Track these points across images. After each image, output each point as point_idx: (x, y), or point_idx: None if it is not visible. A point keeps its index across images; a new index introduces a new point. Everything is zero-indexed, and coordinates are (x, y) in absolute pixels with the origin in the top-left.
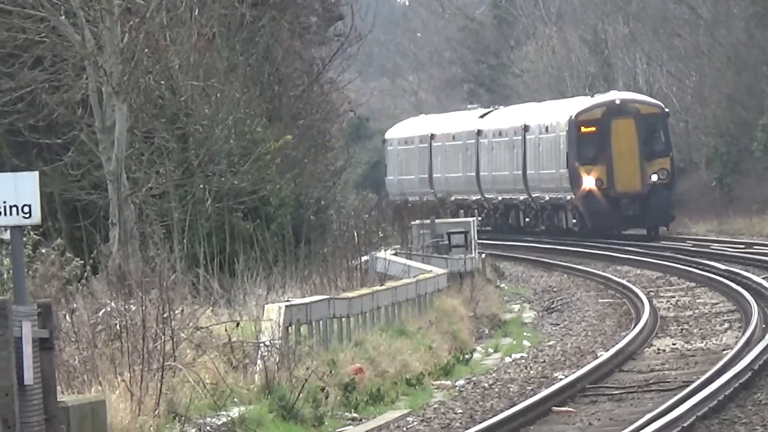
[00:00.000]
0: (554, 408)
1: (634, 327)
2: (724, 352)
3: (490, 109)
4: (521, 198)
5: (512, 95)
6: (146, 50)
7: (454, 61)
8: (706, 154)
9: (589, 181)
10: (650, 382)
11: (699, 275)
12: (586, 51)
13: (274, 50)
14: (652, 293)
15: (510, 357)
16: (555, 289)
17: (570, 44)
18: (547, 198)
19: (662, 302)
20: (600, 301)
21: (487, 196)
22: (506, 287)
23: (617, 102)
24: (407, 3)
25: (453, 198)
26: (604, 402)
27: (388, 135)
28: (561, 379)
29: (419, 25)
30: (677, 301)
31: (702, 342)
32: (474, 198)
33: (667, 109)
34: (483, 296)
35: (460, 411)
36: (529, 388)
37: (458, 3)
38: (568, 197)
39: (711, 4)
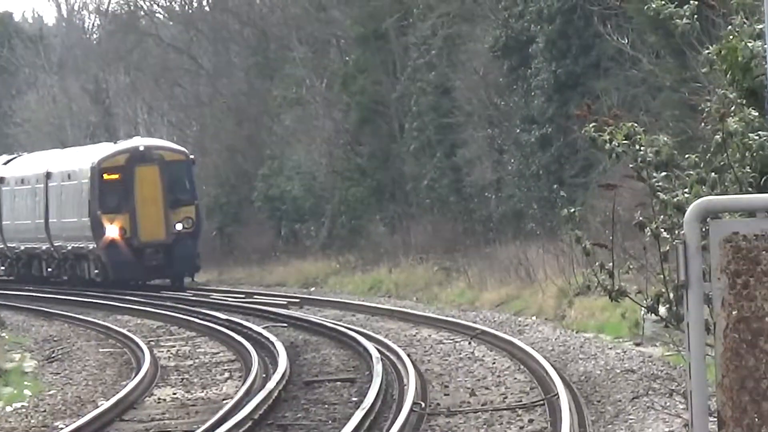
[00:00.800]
0: None
1: (135, 376)
2: (225, 401)
3: (14, 156)
4: (44, 247)
5: (14, 144)
6: None
7: None
8: (206, 204)
9: (112, 230)
10: (151, 431)
11: (200, 325)
12: (87, 100)
13: None
14: (152, 342)
15: (11, 406)
16: (56, 339)
17: (71, 94)
18: (69, 247)
19: (163, 352)
20: (101, 350)
21: (9, 245)
22: (7, 336)
23: (141, 148)
24: None
25: None
26: None
27: None
28: (62, 429)
29: None
30: (178, 350)
31: (203, 391)
32: None
33: (192, 156)
34: None
35: None
36: None
37: None
38: (91, 246)
39: (212, 54)
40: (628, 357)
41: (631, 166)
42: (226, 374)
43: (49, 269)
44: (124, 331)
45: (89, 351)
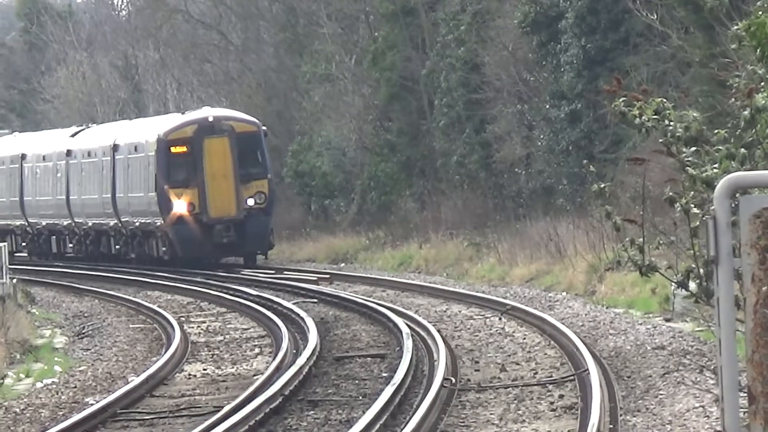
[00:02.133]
0: None
1: (165, 352)
2: (255, 377)
3: (82, 127)
4: (111, 223)
5: (43, 121)
6: None
7: None
8: None
9: (180, 206)
10: (181, 407)
11: (230, 301)
12: (116, 77)
13: None
14: (183, 319)
15: (41, 382)
16: (86, 315)
17: (101, 70)
18: (137, 223)
19: (193, 327)
20: (131, 326)
21: (77, 220)
22: (38, 312)
23: (210, 119)
24: None
25: (45, 223)
26: (135, 427)
27: None
28: (92, 404)
29: None
30: (208, 326)
31: (233, 367)
32: (65, 223)
33: (264, 127)
34: (14, 321)
35: None
36: (61, 413)
37: None
38: (158, 223)
39: (241, 30)
40: (658, 332)
41: (660, 141)
42: (257, 350)
43: (117, 246)
44: (155, 307)
45: (119, 327)
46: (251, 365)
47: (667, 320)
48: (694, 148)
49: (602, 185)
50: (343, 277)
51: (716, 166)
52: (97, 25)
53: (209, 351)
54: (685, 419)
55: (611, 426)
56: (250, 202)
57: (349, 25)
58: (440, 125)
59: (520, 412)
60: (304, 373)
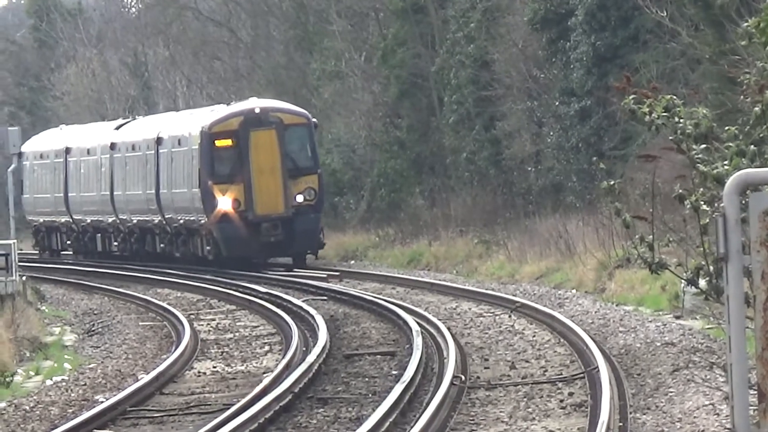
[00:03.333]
0: (95, 430)
1: (175, 350)
2: (265, 374)
3: (128, 119)
4: (156, 221)
5: (53, 118)
6: None
7: None
8: None
9: (224, 203)
10: (191, 404)
11: (239, 298)
12: (126, 74)
13: None
14: (192, 316)
15: (51, 380)
16: (96, 312)
17: (110, 67)
18: (181, 221)
19: (203, 325)
20: (141, 323)
21: (121, 217)
22: (47, 310)
23: (256, 110)
24: None
25: (90, 220)
26: (145, 425)
27: (25, 148)
28: (102, 402)
29: None
30: (218, 324)
31: (243, 365)
32: (109, 220)
33: (314, 119)
34: (24, 319)
35: None
36: (71, 410)
37: None
38: (202, 221)
39: (251, 27)
40: (668, 330)
41: (670, 138)
42: (266, 347)
43: (162, 245)
44: (164, 304)
45: (129, 324)
46: (261, 363)
47: (677, 317)
48: (704, 146)
49: (612, 182)
50: (353, 275)
51: (726, 162)
52: (107, 22)
53: (219, 348)
54: (694, 417)
55: (621, 424)
56: (299, 198)
57: (359, 22)
58: (450, 122)
59: (529, 409)
60: (313, 370)
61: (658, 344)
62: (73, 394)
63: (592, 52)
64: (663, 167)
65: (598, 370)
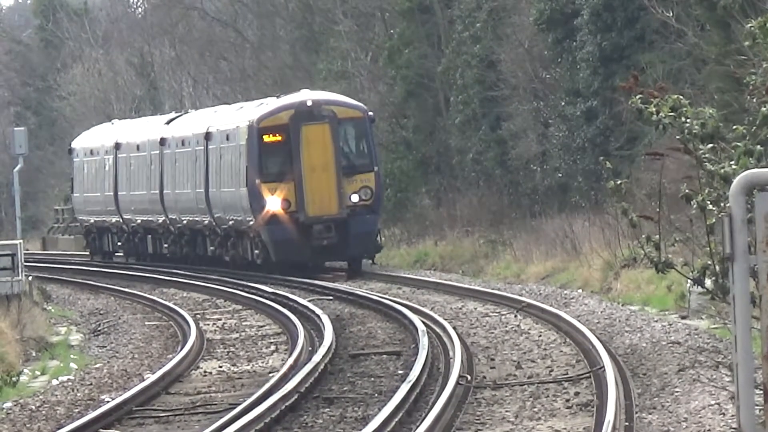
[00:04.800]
0: (101, 430)
1: (181, 349)
2: (271, 374)
3: (180, 113)
4: (206, 222)
5: (59, 118)
6: None
7: (0, 84)
8: None
9: (273, 203)
10: (197, 404)
11: (245, 298)
12: (132, 74)
13: None
14: (198, 316)
15: (57, 379)
16: (102, 312)
17: (116, 67)
18: (231, 222)
19: (209, 325)
20: (147, 323)
21: (171, 217)
22: (53, 310)
23: (308, 103)
24: None
25: (140, 220)
26: (151, 424)
27: (75, 144)
28: (108, 402)
29: None
30: (224, 323)
31: (248, 364)
32: (159, 220)
33: (371, 113)
34: (30, 319)
35: None
36: (77, 410)
37: (4, 25)
38: (251, 222)
39: (257, 28)
40: (674, 330)
41: (677, 138)
42: (272, 347)
43: (212, 248)
44: (170, 304)
45: (135, 324)
46: (267, 362)
47: (683, 317)
48: (710, 145)
49: (619, 182)
50: (359, 274)
51: (733, 162)
52: (113, 22)
53: (225, 348)
54: (700, 416)
55: (627, 423)
56: (354, 198)
57: (365, 23)
58: (456, 122)
59: (535, 409)
60: (319, 370)
61: (664, 344)
62: (79, 394)
63: (598, 52)
64: (669, 167)
65: (604, 370)
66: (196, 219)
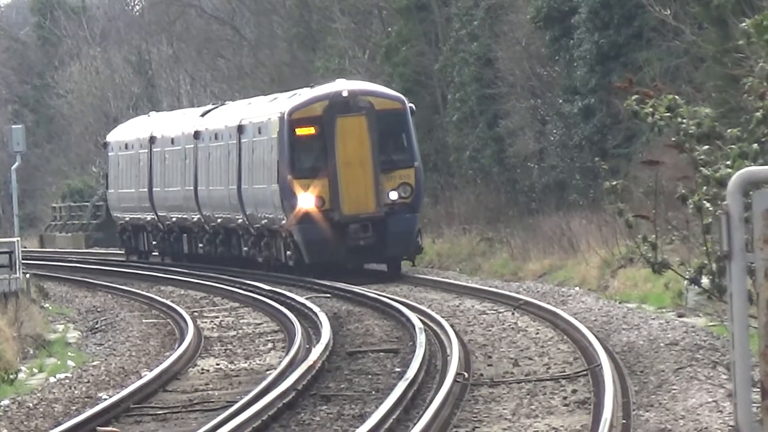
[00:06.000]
0: (99, 428)
1: (178, 347)
2: (268, 372)
3: (215, 105)
4: (239, 220)
5: (56, 116)
6: None
7: None
8: None
9: (306, 200)
10: (194, 402)
11: (243, 295)
12: (130, 72)
13: None
14: (196, 313)
15: (55, 377)
16: (99, 309)
17: (114, 65)
18: (264, 221)
19: (206, 322)
20: (144, 321)
21: (205, 213)
22: (51, 307)
23: (344, 94)
24: None
25: (175, 218)
26: (148, 422)
27: (110, 137)
28: (105, 399)
29: None
30: (221, 321)
31: (246, 362)
32: (194, 218)
33: (411, 104)
34: (27, 316)
35: (5, 431)
36: (74, 408)
37: (1, 23)
38: (283, 221)
39: (255, 25)
40: (671, 327)
41: (673, 139)
42: (270, 345)
43: (245, 248)
44: (168, 301)
45: (133, 322)
46: (264, 360)
47: (680, 315)
48: (706, 146)
49: (614, 183)
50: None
51: (729, 162)
52: (111, 20)
53: (222, 346)
54: (698, 414)
55: (624, 421)
56: (393, 195)
57: (363, 20)
58: (453, 120)
59: (533, 407)
60: (317, 368)
61: (661, 342)
62: (76, 392)
63: (595, 50)
64: (666, 165)
65: (601, 368)
66: (230, 217)
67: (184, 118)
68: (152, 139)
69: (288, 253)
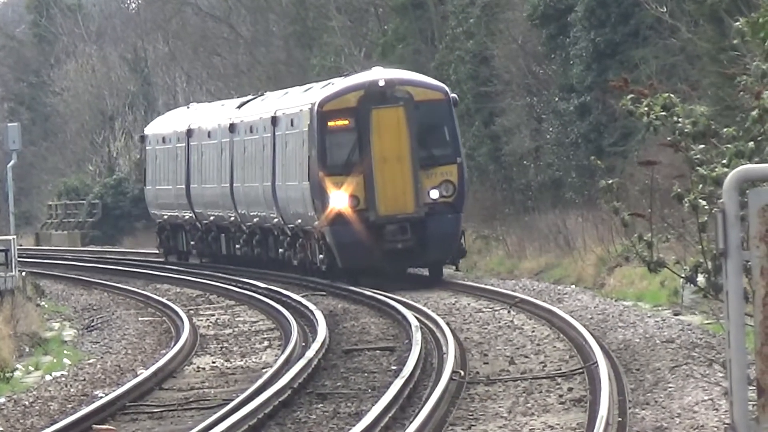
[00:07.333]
0: (95, 426)
1: (174, 345)
2: (264, 370)
3: (253, 96)
4: (274, 220)
5: (52, 113)
6: None
7: None
8: None
9: (339, 199)
10: (190, 400)
11: (239, 293)
12: (126, 69)
13: None
14: (192, 311)
15: (50, 375)
16: (95, 307)
17: (110, 63)
18: (297, 221)
19: (202, 320)
20: (140, 319)
21: (240, 211)
22: (47, 305)
23: (380, 83)
24: None
25: (212, 217)
26: (144, 420)
27: (148, 130)
28: (101, 397)
29: None
30: (217, 319)
31: (242, 360)
32: (231, 217)
33: (453, 94)
34: (23, 314)
35: (1, 429)
36: (70, 406)
37: None
38: (315, 222)
39: (251, 23)
40: (667, 325)
41: (669, 138)
42: (266, 343)
43: (281, 250)
44: (164, 299)
45: (128, 320)
46: (260, 358)
47: (676, 313)
48: (702, 145)
49: (610, 181)
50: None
51: (725, 161)
52: (107, 17)
53: (218, 344)
54: (694, 412)
55: (620, 419)
56: (434, 194)
57: (359, 18)
58: None
59: (528, 405)
60: (313, 365)
61: (657, 340)
62: (72, 390)
63: (591, 47)
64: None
65: (597, 366)
66: (265, 216)
67: (221, 110)
68: (189, 132)
69: (320, 256)
